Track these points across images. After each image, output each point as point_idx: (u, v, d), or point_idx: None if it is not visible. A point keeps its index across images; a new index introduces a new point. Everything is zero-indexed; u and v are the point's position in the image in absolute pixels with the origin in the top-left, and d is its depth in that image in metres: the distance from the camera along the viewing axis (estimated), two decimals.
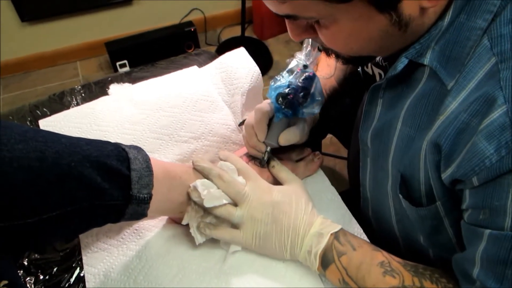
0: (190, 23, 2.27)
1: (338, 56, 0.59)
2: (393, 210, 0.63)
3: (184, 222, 0.63)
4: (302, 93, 0.67)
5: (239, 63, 0.88)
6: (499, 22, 0.45)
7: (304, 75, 0.67)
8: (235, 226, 0.63)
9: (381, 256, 0.57)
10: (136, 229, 0.68)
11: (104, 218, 0.55)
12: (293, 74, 0.68)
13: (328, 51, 0.59)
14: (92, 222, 0.54)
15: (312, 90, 0.68)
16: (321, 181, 0.77)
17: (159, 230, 0.68)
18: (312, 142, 0.79)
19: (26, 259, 0.67)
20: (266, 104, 0.70)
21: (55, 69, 2.32)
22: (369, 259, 0.56)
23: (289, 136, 0.69)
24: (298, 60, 0.69)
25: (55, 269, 0.66)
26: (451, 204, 0.51)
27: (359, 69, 0.73)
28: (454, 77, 0.48)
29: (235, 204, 0.62)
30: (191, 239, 0.66)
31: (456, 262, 0.52)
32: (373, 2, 0.44)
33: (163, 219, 0.70)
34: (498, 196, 0.43)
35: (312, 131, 0.89)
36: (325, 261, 0.58)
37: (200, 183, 0.61)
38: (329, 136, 1.24)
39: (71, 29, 2.22)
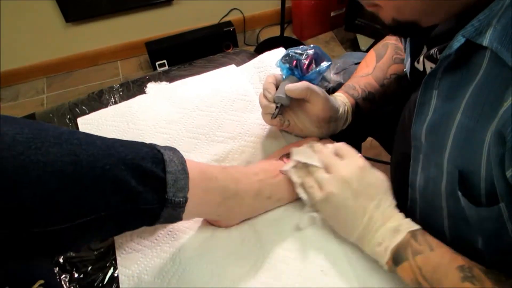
0: (229, 23, 2.28)
1: (383, 24, 0.56)
2: (445, 213, 0.58)
3: (284, 168, 0.67)
4: (306, 58, 0.71)
5: None
6: None
7: (309, 48, 0.73)
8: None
9: (462, 260, 0.53)
10: (170, 231, 0.67)
11: (138, 222, 0.54)
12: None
13: (374, 19, 0.57)
14: (127, 226, 0.54)
15: (317, 59, 0.72)
16: None
17: (193, 233, 0.67)
18: (353, 145, 0.76)
19: (62, 257, 0.67)
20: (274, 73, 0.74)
21: (97, 68, 2.38)
22: (448, 261, 0.53)
23: (295, 86, 0.68)
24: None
25: (89, 268, 0.66)
26: None
27: (407, 68, 0.69)
28: None
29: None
30: (226, 244, 0.65)
31: None
32: None
33: (198, 221, 0.68)
34: None
35: (352, 133, 0.85)
36: (398, 257, 0.55)
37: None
38: (369, 139, 1.20)
39: (112, 29, 2.28)
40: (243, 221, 0.67)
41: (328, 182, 0.60)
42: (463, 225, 0.56)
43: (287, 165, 0.67)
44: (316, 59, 0.72)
